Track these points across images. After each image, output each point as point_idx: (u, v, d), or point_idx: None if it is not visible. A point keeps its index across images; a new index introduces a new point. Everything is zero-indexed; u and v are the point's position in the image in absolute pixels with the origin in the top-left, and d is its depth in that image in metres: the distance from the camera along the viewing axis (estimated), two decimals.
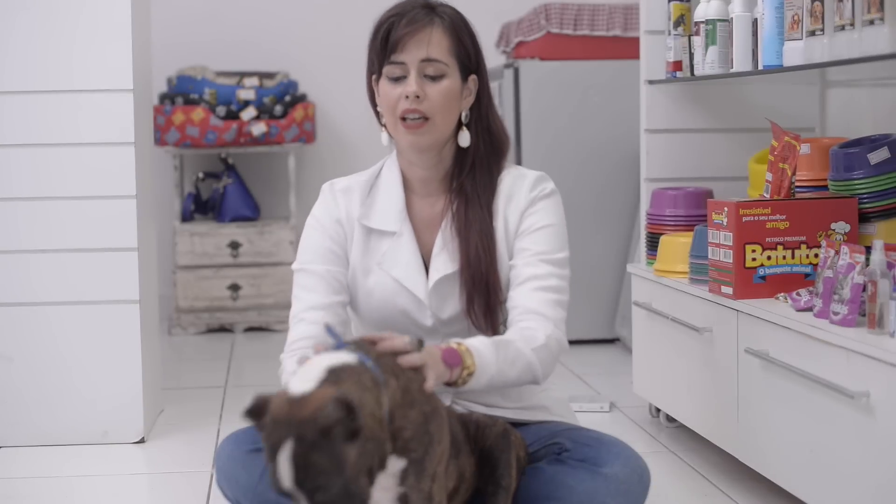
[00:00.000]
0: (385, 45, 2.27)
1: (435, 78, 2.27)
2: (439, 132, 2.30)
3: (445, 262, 2.32)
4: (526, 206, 2.35)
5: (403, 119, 2.28)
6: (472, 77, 2.34)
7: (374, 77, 2.35)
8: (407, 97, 2.25)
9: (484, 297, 2.29)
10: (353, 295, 2.39)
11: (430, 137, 2.29)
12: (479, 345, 2.14)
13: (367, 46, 2.34)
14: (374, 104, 2.39)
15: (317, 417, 1.63)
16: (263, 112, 5.27)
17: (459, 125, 2.34)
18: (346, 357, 1.80)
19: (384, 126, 2.35)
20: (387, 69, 2.28)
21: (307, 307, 2.31)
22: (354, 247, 2.36)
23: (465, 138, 2.34)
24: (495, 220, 2.34)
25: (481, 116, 2.36)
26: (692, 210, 3.38)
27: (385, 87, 2.29)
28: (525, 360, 2.20)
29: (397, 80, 2.27)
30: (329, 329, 2.02)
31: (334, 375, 1.73)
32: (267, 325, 5.25)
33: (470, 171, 2.34)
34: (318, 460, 1.64)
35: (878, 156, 2.77)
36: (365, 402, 1.72)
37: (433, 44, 2.27)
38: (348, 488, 1.66)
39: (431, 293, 2.32)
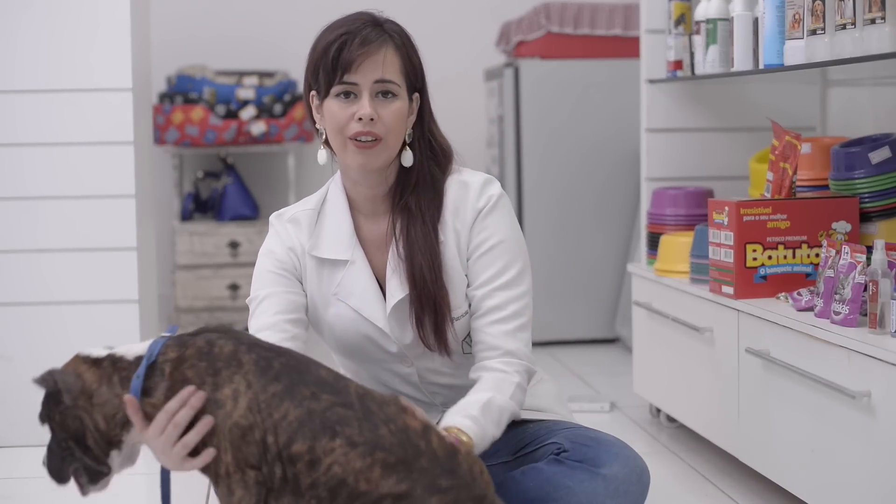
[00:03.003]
0: (336, 63, 2.19)
1: (387, 97, 2.21)
2: (390, 152, 2.24)
3: (397, 286, 2.27)
4: (472, 220, 2.28)
5: (354, 139, 2.21)
6: (415, 95, 2.29)
7: (313, 93, 2.28)
8: (360, 119, 2.19)
9: (432, 317, 2.25)
10: (317, 326, 2.36)
11: (381, 158, 2.23)
12: (467, 422, 2.10)
13: (309, 63, 2.26)
14: (312, 119, 2.32)
15: (36, 378, 2.03)
16: (263, 111, 5.26)
17: (402, 144, 2.28)
18: (137, 349, 2.04)
19: (325, 144, 2.29)
20: (337, 89, 2.21)
21: (254, 331, 2.28)
22: (308, 278, 2.32)
23: (407, 158, 2.27)
24: (445, 233, 2.28)
25: (423, 133, 2.30)
26: (693, 209, 3.38)
27: (333, 107, 2.22)
28: (508, 411, 2.19)
29: (347, 100, 2.21)
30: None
31: (100, 361, 2.05)
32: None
33: (414, 188, 2.28)
34: (44, 406, 2.04)
35: (879, 155, 2.77)
36: (81, 389, 2.02)
37: (387, 64, 2.21)
38: (51, 446, 2.06)
39: (390, 320, 2.28)
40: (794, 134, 2.92)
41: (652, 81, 3.56)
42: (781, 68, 2.75)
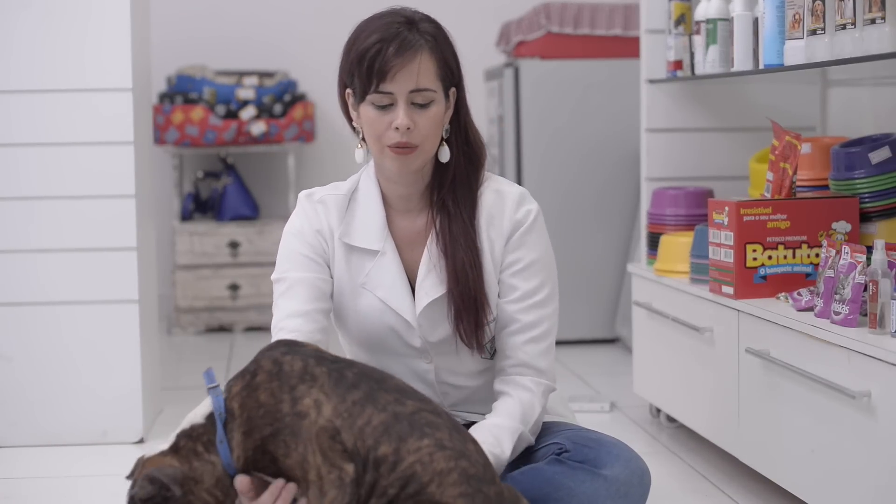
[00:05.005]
0: (371, 72, 2.17)
1: (423, 106, 2.20)
2: (427, 156, 2.24)
3: (434, 284, 2.28)
4: (509, 233, 2.29)
5: (391, 147, 2.20)
6: (452, 90, 2.28)
7: (349, 91, 2.27)
8: (397, 129, 2.18)
9: (473, 314, 2.26)
10: (340, 313, 2.35)
11: (418, 162, 2.22)
12: (499, 453, 2.18)
13: (344, 64, 2.25)
14: (347, 115, 2.31)
15: (133, 494, 1.94)
16: (263, 111, 5.27)
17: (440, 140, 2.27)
18: (203, 410, 1.99)
19: (363, 142, 2.28)
20: (373, 97, 2.19)
21: (286, 315, 2.25)
22: (336, 263, 2.31)
23: (444, 153, 2.27)
24: (480, 240, 2.28)
25: (460, 128, 2.30)
26: (693, 209, 3.37)
27: (370, 114, 2.21)
28: (525, 443, 2.27)
29: (384, 107, 2.19)
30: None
31: (174, 446, 1.98)
32: (266, 324, 5.21)
33: (450, 186, 2.28)
34: None
35: (879, 155, 2.76)
36: (190, 473, 1.96)
37: (422, 72, 2.18)
38: None
39: (421, 317, 2.28)
40: (794, 134, 2.91)
41: (652, 81, 3.55)
42: (781, 68, 2.75)
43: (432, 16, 2.28)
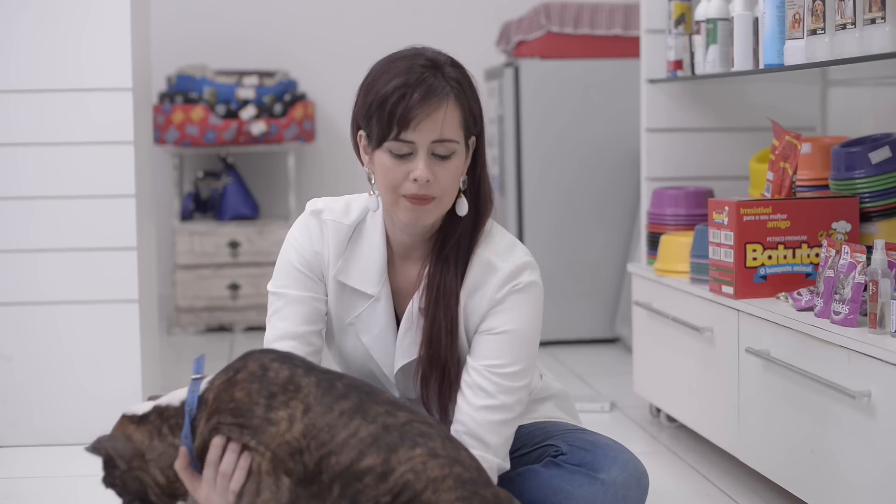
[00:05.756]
0: (392, 119, 2.03)
1: (444, 157, 2.06)
2: (443, 210, 2.11)
3: (410, 345, 2.19)
4: (487, 309, 2.14)
5: (407, 196, 2.07)
6: (472, 140, 2.14)
7: (362, 133, 2.13)
8: (415, 180, 2.04)
9: (438, 383, 2.16)
10: (327, 338, 2.29)
11: (433, 215, 2.10)
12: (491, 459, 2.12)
13: (361, 106, 2.10)
14: (360, 159, 2.17)
15: (87, 447, 2.04)
16: (263, 111, 5.26)
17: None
18: (181, 394, 2.04)
19: (373, 185, 2.14)
20: (391, 145, 2.05)
21: (279, 336, 2.19)
22: (329, 292, 2.23)
23: (462, 207, 2.13)
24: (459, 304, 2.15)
25: (475, 180, 2.16)
26: (693, 209, 3.37)
27: (386, 162, 2.06)
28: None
29: (402, 156, 2.05)
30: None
31: (146, 417, 2.04)
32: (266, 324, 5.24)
33: (456, 239, 2.15)
34: (105, 474, 2.07)
35: (880, 155, 2.76)
36: (133, 452, 2.03)
37: (446, 122, 2.04)
38: None
39: (398, 374, 2.23)
40: (795, 134, 2.91)
41: (652, 81, 3.55)
42: (781, 68, 2.75)
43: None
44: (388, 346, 2.23)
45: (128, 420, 2.06)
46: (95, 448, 2.03)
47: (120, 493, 2.06)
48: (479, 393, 2.11)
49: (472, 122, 2.12)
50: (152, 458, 2.02)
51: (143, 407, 2.06)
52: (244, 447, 1.95)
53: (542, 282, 2.20)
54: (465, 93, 2.09)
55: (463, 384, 2.13)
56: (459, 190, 2.13)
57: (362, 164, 2.17)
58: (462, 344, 2.18)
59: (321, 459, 1.92)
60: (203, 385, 2.02)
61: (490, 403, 2.10)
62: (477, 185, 2.17)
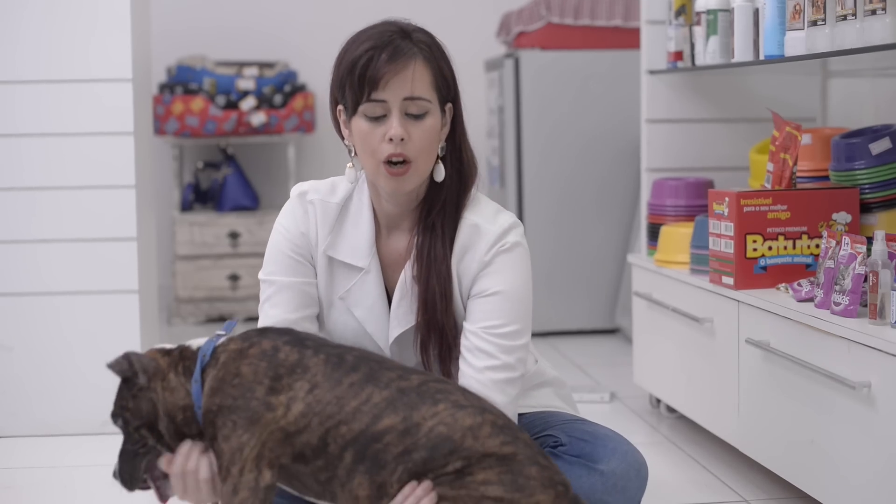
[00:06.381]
0: (363, 80, 2.08)
1: (418, 116, 2.10)
2: (421, 175, 2.14)
3: (405, 313, 2.21)
4: (477, 271, 2.16)
5: (386, 163, 2.11)
6: (448, 106, 2.18)
7: (340, 108, 2.18)
8: (391, 140, 2.09)
9: (437, 347, 2.18)
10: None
11: (413, 182, 2.13)
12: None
13: (335, 77, 2.16)
14: (341, 135, 2.22)
15: (109, 363, 2.07)
16: (263, 102, 5.26)
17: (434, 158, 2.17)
18: (200, 342, 2.07)
19: (354, 158, 2.19)
20: (365, 107, 2.10)
21: (272, 324, 2.20)
22: (319, 271, 2.25)
23: (440, 172, 2.17)
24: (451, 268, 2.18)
25: (455, 147, 2.20)
26: (693, 200, 3.37)
27: (363, 127, 2.12)
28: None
29: (377, 119, 2.10)
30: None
31: (172, 351, 2.07)
32: None
33: (441, 207, 2.18)
34: (118, 396, 2.10)
35: (880, 146, 2.76)
36: (156, 370, 2.04)
37: (416, 80, 2.09)
38: (123, 448, 2.10)
39: (393, 345, 2.24)
40: (795, 125, 2.91)
41: (652, 72, 3.55)
42: (782, 59, 2.74)
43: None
44: (382, 318, 2.24)
45: (156, 350, 2.08)
46: (118, 362, 2.04)
47: (128, 420, 2.06)
48: (479, 355, 2.12)
49: (444, 85, 2.16)
50: (168, 388, 2.03)
51: (171, 345, 2.10)
52: (212, 442, 1.99)
53: (526, 243, 2.22)
54: (434, 55, 2.14)
55: (462, 349, 2.15)
56: (438, 156, 2.18)
57: (343, 140, 2.23)
58: (458, 308, 2.20)
59: (326, 433, 1.93)
60: (222, 340, 2.04)
61: (492, 364, 2.12)
62: (458, 152, 2.21)
